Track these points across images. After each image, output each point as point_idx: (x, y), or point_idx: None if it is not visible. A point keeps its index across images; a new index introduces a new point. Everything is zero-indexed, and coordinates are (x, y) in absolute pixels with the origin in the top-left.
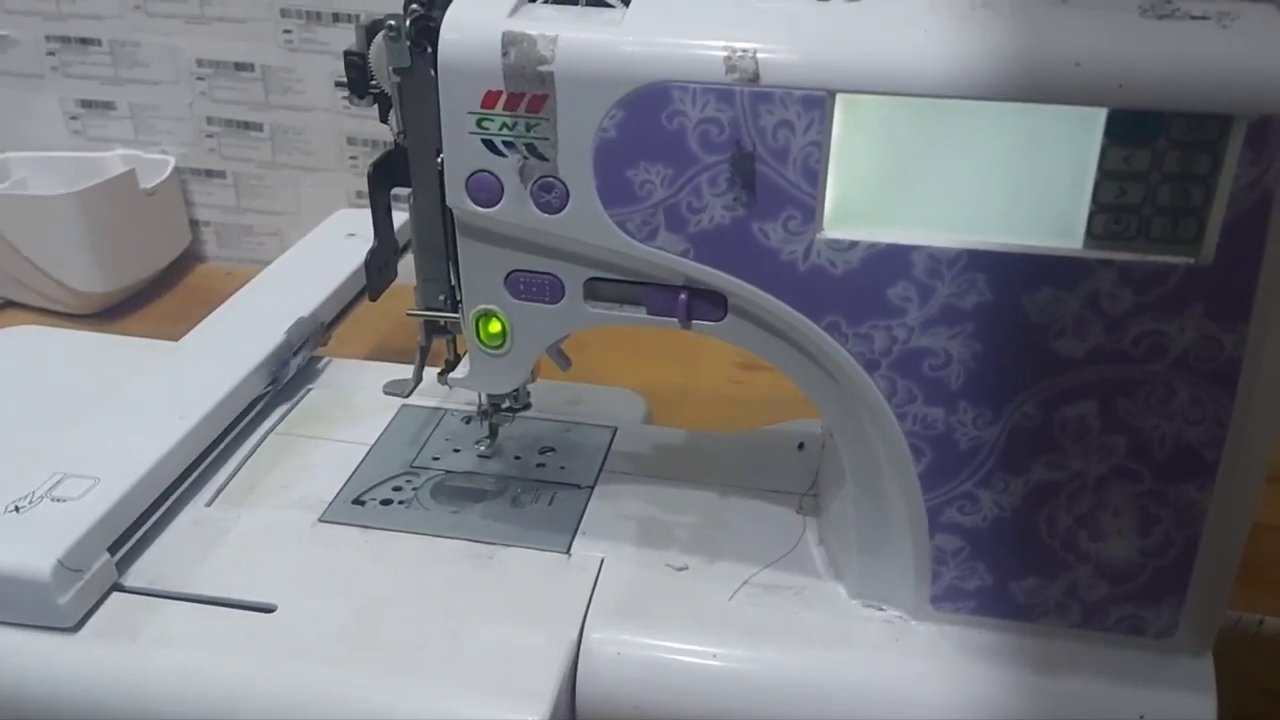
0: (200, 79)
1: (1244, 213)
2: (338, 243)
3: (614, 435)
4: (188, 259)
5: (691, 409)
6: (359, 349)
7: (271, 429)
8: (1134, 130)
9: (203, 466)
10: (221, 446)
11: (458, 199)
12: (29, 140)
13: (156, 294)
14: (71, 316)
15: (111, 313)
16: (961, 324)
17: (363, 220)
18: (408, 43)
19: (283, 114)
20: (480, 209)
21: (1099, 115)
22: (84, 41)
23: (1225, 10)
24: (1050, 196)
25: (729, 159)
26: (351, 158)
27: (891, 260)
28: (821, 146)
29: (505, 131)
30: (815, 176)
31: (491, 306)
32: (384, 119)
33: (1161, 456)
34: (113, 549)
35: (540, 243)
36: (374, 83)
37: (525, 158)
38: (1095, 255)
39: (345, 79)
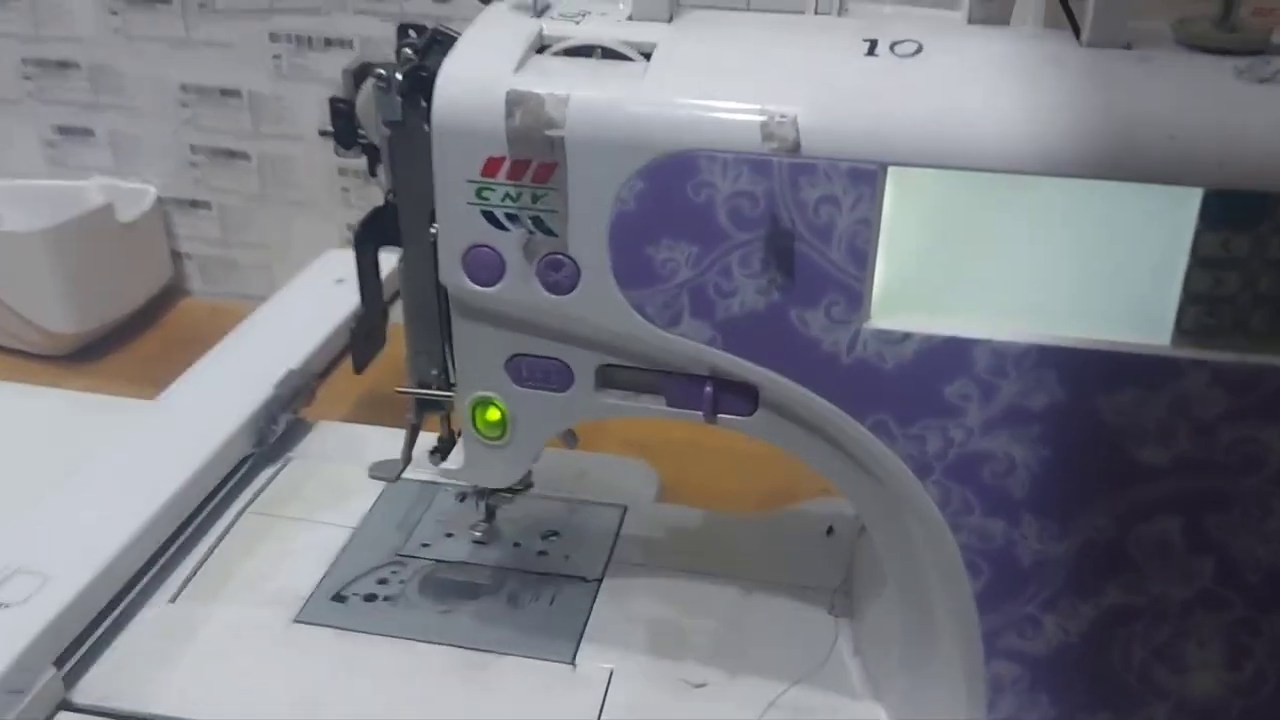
0: (184, 105)
1: None
2: (325, 289)
3: (623, 516)
4: (169, 293)
5: (705, 469)
6: (344, 404)
7: (248, 505)
8: (1234, 212)
9: (171, 551)
10: (194, 525)
11: (453, 276)
12: (3, 167)
13: (135, 333)
14: (43, 358)
15: (87, 353)
16: (1028, 426)
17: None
18: (399, 95)
19: (271, 143)
20: (479, 288)
21: (1193, 195)
22: (62, 65)
23: None
24: (1133, 285)
25: (764, 237)
26: (344, 189)
27: (949, 354)
28: (870, 225)
29: (508, 202)
30: (863, 258)
31: (490, 393)
32: (373, 172)
33: (1256, 580)
34: (60, 661)
35: (547, 324)
36: (362, 132)
37: (531, 232)
38: (1186, 355)
39: (330, 127)
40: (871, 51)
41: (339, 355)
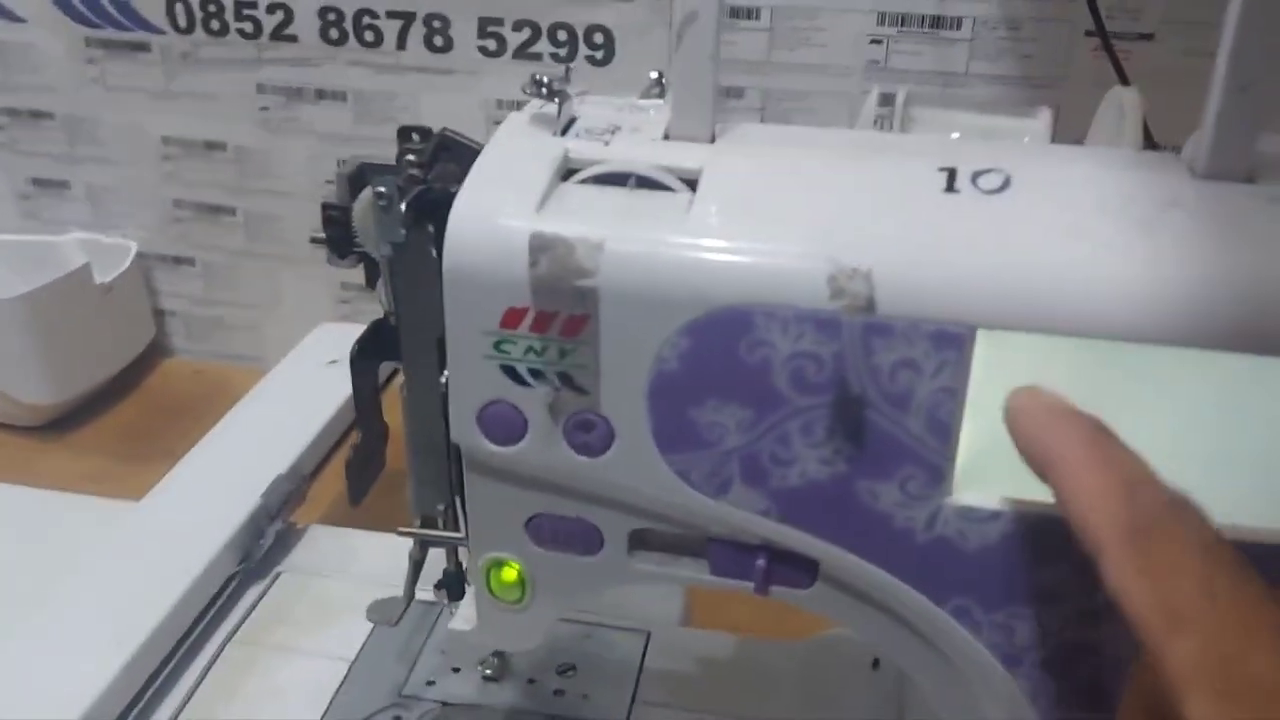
0: (166, 159)
1: None
2: (317, 373)
3: (646, 643)
4: (152, 352)
5: None
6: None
7: (232, 633)
8: None
9: (148, 696)
10: (173, 662)
11: (467, 434)
12: None
13: (116, 398)
14: (16, 429)
15: (64, 424)
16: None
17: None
18: (402, 218)
19: (258, 199)
20: (497, 448)
21: None
22: (35, 115)
23: None
24: (1258, 468)
25: (830, 403)
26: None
27: (1044, 536)
28: (955, 394)
29: (532, 357)
30: (946, 430)
31: (506, 555)
32: (370, 285)
33: None
34: None
35: (574, 487)
36: (358, 240)
37: (558, 389)
38: None
39: (322, 234)
40: (951, 186)
41: (331, 451)
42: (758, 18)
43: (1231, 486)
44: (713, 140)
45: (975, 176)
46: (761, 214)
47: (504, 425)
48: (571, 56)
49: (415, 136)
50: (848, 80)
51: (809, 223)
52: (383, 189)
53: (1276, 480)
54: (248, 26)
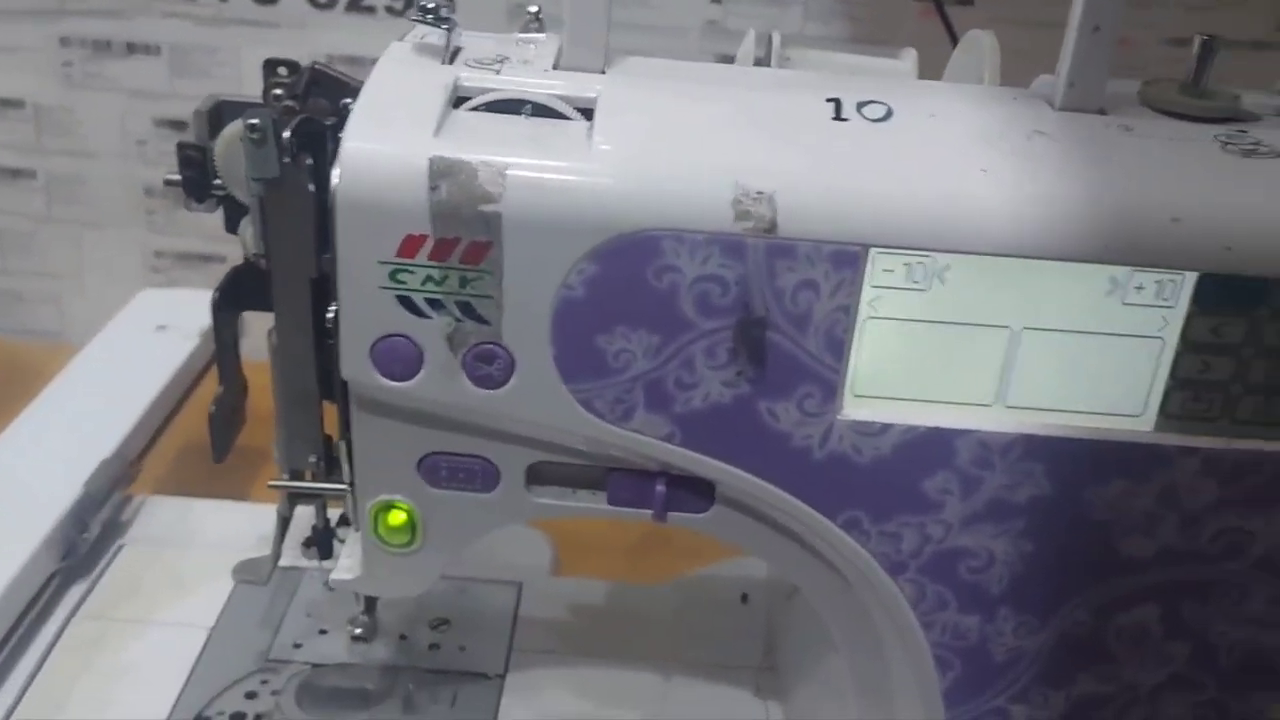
0: None
1: None
2: (146, 339)
3: (519, 594)
4: None
5: (599, 527)
6: (178, 463)
7: (73, 613)
8: (1229, 296)
9: None
10: (8, 648)
11: (359, 370)
12: None
13: None
14: None
15: None
16: (1011, 521)
17: (174, 305)
18: (280, 150)
19: (61, 160)
20: (391, 383)
21: (1187, 279)
22: None
23: None
24: (1121, 371)
25: (734, 325)
26: (149, 212)
27: (930, 447)
28: (850, 312)
29: (431, 287)
30: (840, 347)
31: (398, 497)
32: (232, 229)
33: (1228, 664)
34: None
35: (471, 421)
36: (218, 181)
37: (458, 320)
38: (1175, 442)
39: (178, 175)
40: (839, 115)
41: (165, 422)
42: None
43: (1087, 389)
44: (604, 71)
45: (860, 106)
46: (662, 141)
47: (399, 359)
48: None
49: (283, 70)
50: (684, 40)
51: (711, 149)
52: (256, 121)
53: (1120, 378)
54: None
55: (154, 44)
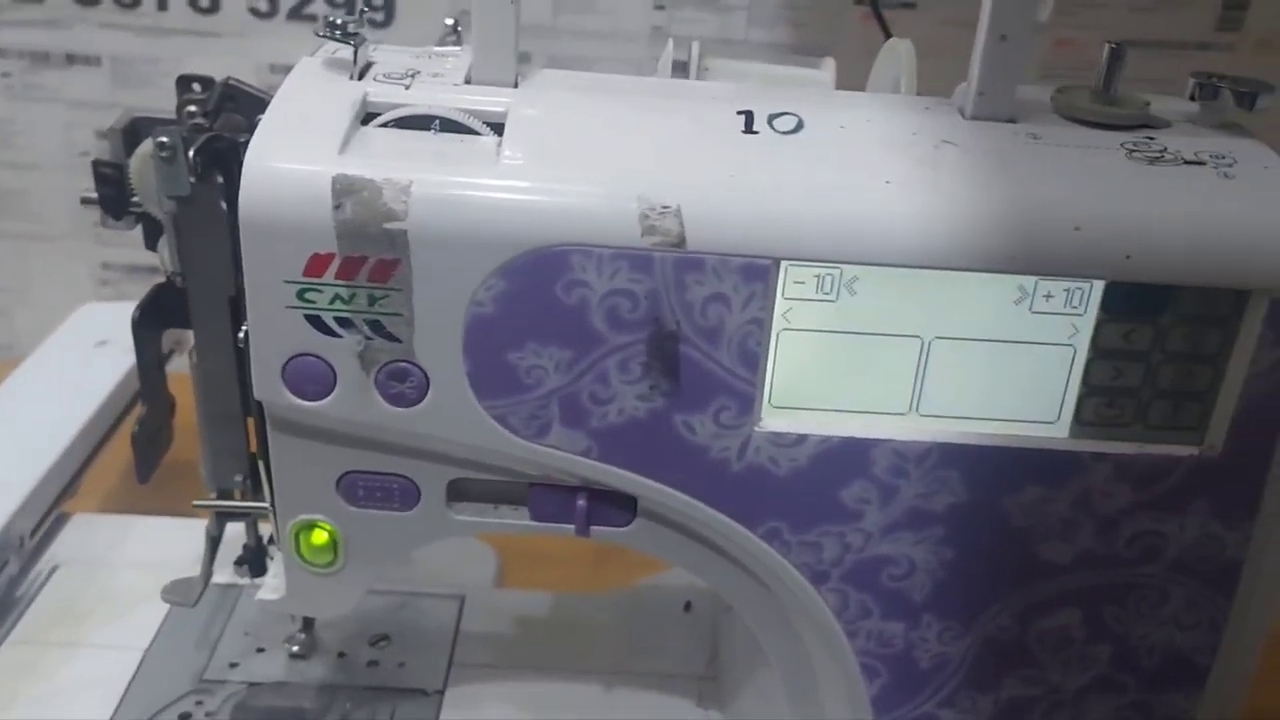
0: None
1: (1260, 398)
2: (86, 354)
3: (461, 607)
4: None
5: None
6: (119, 480)
7: (3, 639)
8: (1136, 304)
9: None
10: None
11: (271, 390)
12: None
13: None
14: None
15: None
16: (930, 528)
17: (115, 319)
18: (189, 168)
19: (3, 173)
20: (304, 403)
21: (1095, 286)
22: None
23: (1217, 152)
24: (1034, 379)
25: (645, 339)
26: (95, 224)
27: (847, 457)
28: (763, 325)
29: (339, 305)
30: (755, 360)
31: (318, 516)
32: (151, 246)
33: (1149, 665)
34: None
35: (387, 440)
36: (136, 199)
37: (368, 338)
38: (1089, 448)
39: (94, 192)
40: (749, 127)
41: (104, 438)
42: None
43: (1001, 397)
44: (515, 85)
45: (771, 119)
46: (571, 155)
47: (311, 379)
48: None
49: (196, 86)
50: (633, 46)
51: (618, 163)
52: (165, 139)
53: (1032, 387)
54: None
55: (94, 55)
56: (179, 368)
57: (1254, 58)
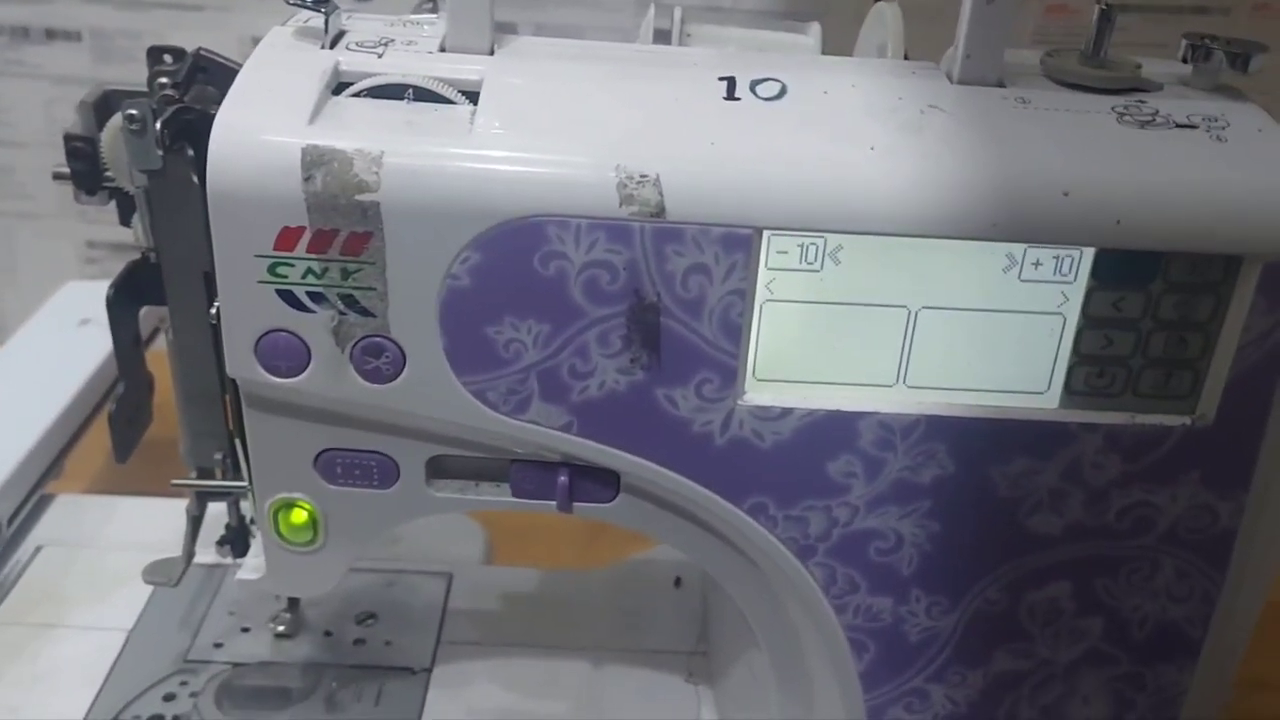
0: None
1: (1253, 367)
2: (68, 336)
3: (449, 585)
4: None
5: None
6: (105, 460)
7: None
8: (1127, 271)
9: None
10: None
11: (244, 367)
12: None
13: None
14: None
15: None
16: (917, 501)
17: (98, 297)
18: (158, 141)
19: None
20: (278, 379)
21: (1084, 254)
22: None
23: (1210, 114)
24: (1023, 348)
25: (625, 312)
26: (81, 202)
27: (832, 430)
28: (745, 295)
29: (312, 280)
30: (737, 332)
31: (296, 495)
32: (125, 222)
33: (1141, 637)
34: None
35: (364, 416)
36: (109, 174)
37: (342, 313)
38: (1077, 419)
39: (66, 167)
40: (731, 94)
41: (88, 418)
42: None
43: (989, 367)
44: (491, 52)
45: (754, 85)
46: (547, 124)
47: (285, 355)
48: None
49: (168, 58)
50: (621, 14)
51: (595, 132)
52: (134, 112)
53: (1022, 356)
54: None
55: (74, 29)
56: (162, 346)
57: (1251, 21)
